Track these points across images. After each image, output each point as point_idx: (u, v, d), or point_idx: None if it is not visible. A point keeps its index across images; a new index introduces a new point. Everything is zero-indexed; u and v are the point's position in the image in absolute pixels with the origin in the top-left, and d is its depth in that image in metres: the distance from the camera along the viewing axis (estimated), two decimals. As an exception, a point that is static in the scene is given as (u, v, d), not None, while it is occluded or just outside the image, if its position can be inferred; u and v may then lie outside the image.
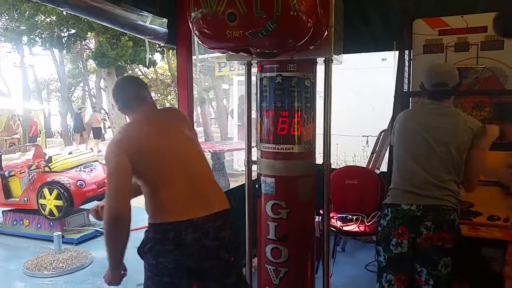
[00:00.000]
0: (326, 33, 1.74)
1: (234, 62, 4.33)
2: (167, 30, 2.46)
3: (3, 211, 4.70)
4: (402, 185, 1.94)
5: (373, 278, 3.09)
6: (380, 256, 1.98)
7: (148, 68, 17.16)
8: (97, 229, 4.48)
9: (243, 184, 2.39)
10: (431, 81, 1.98)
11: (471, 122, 1.92)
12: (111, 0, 2.07)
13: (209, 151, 4.36)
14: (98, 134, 12.86)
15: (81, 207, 4.47)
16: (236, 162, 8.48)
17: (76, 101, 27.03)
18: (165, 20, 2.47)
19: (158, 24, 2.49)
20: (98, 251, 4.00)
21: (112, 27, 2.36)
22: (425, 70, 2.07)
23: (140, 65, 15.87)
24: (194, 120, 2.70)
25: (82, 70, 20.97)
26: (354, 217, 3.13)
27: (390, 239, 1.90)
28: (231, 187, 4.49)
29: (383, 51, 3.88)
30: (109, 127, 19.13)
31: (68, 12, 2.14)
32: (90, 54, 14.64)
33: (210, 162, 4.76)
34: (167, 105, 24.36)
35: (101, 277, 3.39)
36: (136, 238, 4.85)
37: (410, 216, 1.86)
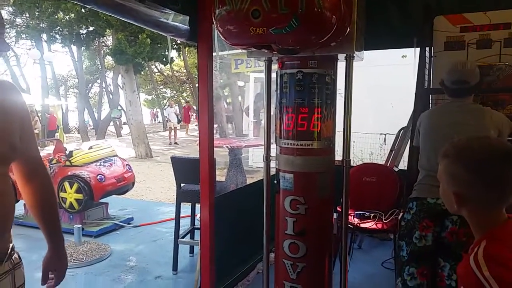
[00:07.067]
0: (348, 29, 1.74)
1: (251, 59, 4.32)
2: (188, 27, 2.48)
3: (25, 204, 4.81)
4: (428, 181, 1.95)
5: (390, 275, 3.10)
6: (402, 251, 1.99)
7: (164, 65, 17.30)
8: (116, 222, 4.58)
9: (261, 180, 2.41)
10: (451, 78, 1.98)
11: (498, 117, 1.91)
12: (136, -2, 2.12)
13: (227, 147, 4.39)
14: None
15: (101, 200, 4.57)
16: (252, 158, 8.49)
17: (93, 98, 27.50)
18: (185, 17, 2.50)
19: (179, 21, 2.51)
20: (117, 244, 4.09)
21: (136, 24, 2.40)
22: (446, 67, 2.07)
23: (157, 62, 16.03)
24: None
25: (99, 67, 21.28)
26: (372, 215, 3.12)
27: (413, 232, 1.91)
28: (247, 183, 4.51)
29: (404, 48, 3.85)
30: (125, 123, 19.38)
31: (94, 9, 2.18)
32: (108, 51, 14.85)
33: (227, 158, 4.79)
34: (182, 102, 24.55)
35: (119, 269, 3.47)
36: (156, 231, 4.90)
37: (435, 210, 1.87)
